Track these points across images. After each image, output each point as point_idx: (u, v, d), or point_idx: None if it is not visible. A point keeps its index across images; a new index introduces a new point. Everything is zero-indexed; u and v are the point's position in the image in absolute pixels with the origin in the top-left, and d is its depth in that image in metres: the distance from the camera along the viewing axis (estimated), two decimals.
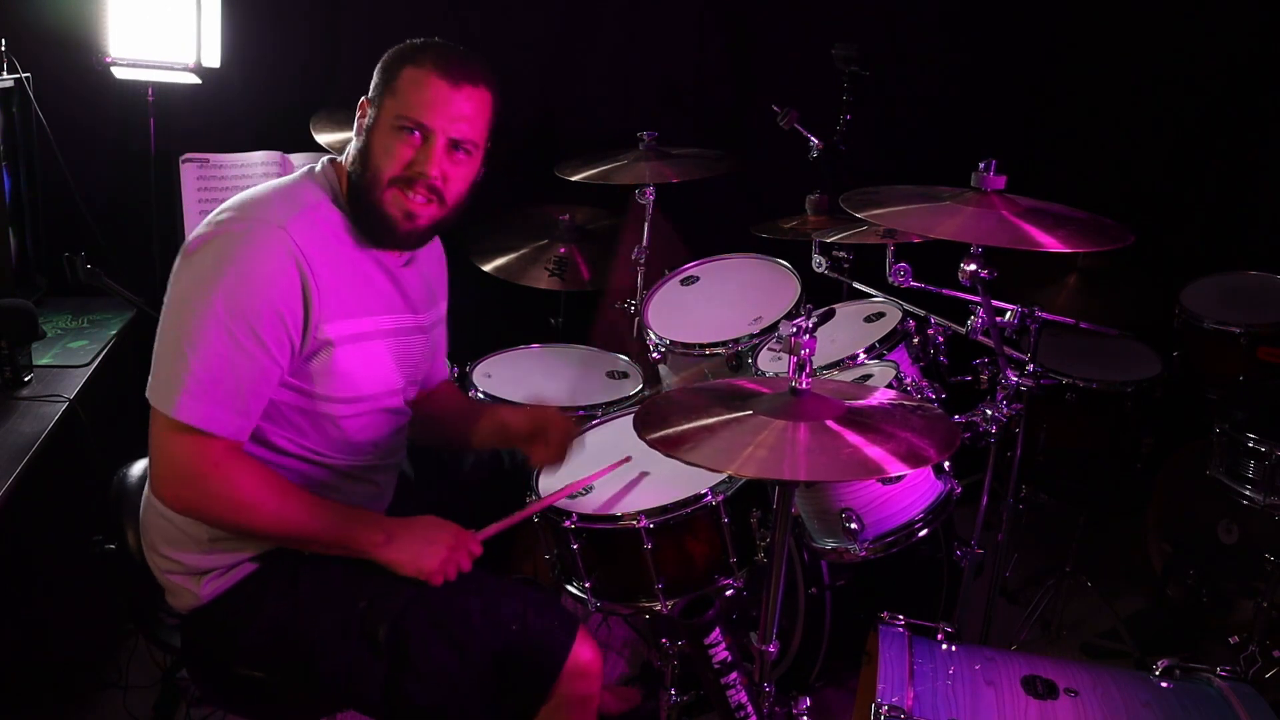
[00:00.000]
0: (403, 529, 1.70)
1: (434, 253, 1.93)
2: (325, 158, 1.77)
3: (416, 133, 1.64)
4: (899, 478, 1.95)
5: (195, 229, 1.65)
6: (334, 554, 1.67)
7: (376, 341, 1.74)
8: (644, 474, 2.00)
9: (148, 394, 1.58)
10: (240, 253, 1.57)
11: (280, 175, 2.80)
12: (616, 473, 2.01)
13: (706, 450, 1.42)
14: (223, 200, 2.54)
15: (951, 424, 1.54)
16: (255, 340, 1.56)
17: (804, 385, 1.52)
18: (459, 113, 1.65)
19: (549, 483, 2.01)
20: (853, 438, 1.43)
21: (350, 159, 1.71)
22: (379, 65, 1.70)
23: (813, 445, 1.41)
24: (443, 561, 1.68)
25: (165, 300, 1.61)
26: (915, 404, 1.61)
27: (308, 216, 1.64)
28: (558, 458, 1.95)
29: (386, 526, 1.69)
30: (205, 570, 1.70)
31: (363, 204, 1.68)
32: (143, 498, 1.80)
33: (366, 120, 1.69)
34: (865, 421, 1.47)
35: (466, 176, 1.71)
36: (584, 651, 1.69)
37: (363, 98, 1.71)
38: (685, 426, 1.48)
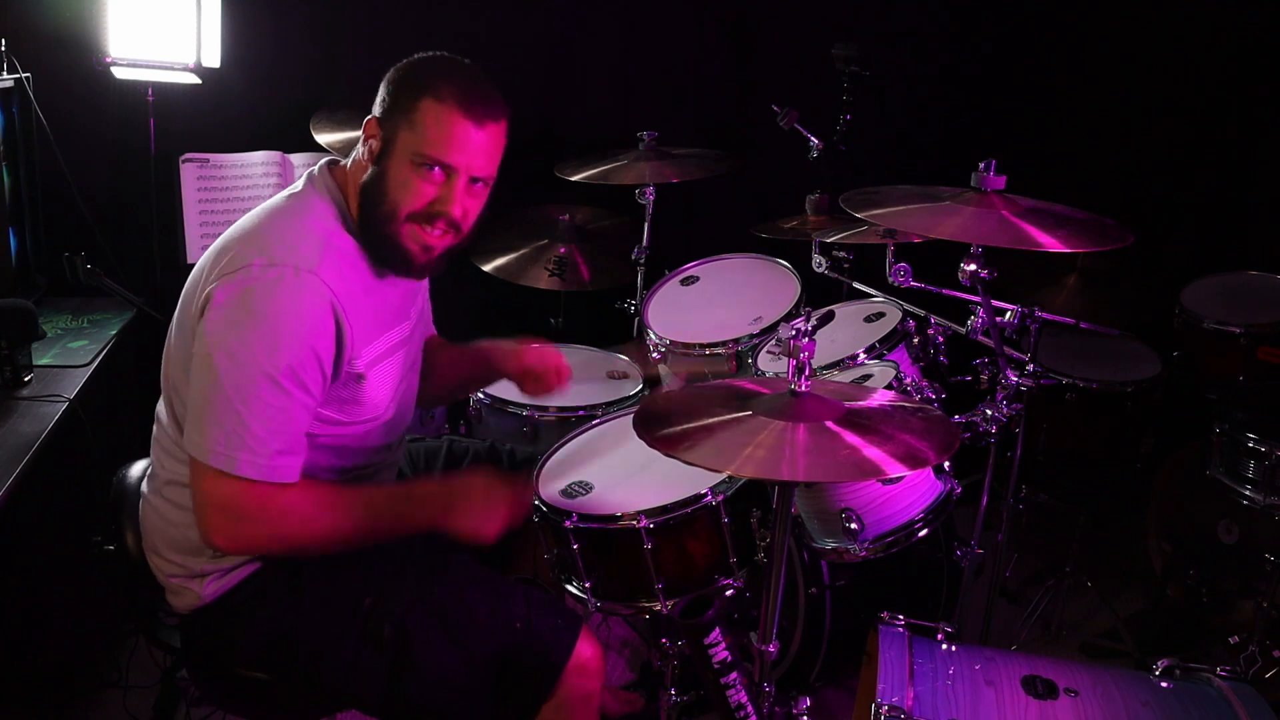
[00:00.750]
0: (460, 496, 1.70)
1: None
2: (323, 161, 1.75)
3: (438, 170, 1.62)
4: (899, 478, 1.95)
5: (210, 267, 1.61)
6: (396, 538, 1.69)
7: (392, 356, 1.75)
8: (663, 476, 1.98)
9: (195, 451, 1.56)
10: (278, 304, 1.55)
11: (280, 175, 2.80)
12: (629, 470, 2.00)
13: (705, 450, 1.42)
14: (223, 200, 2.52)
15: (951, 425, 1.54)
16: (300, 386, 1.57)
17: (803, 388, 1.52)
18: (481, 150, 1.63)
19: (551, 481, 2.02)
20: (852, 439, 1.43)
21: (361, 184, 1.66)
22: (390, 83, 1.65)
23: (811, 446, 1.41)
24: (502, 526, 1.70)
25: (199, 349, 1.57)
26: (915, 406, 1.61)
27: (331, 256, 1.62)
28: (547, 388, 2.01)
29: (441, 496, 1.71)
30: (208, 571, 1.70)
31: (377, 235, 1.66)
32: (142, 500, 1.80)
33: (377, 145, 1.64)
34: (864, 423, 1.47)
35: (481, 206, 1.71)
36: (586, 650, 1.70)
37: (371, 116, 1.66)
38: (685, 426, 1.48)
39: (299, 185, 1.71)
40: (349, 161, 1.72)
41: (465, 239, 1.72)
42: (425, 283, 1.95)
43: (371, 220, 1.65)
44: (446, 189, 1.63)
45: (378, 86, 1.70)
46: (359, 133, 1.69)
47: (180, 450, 1.64)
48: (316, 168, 1.73)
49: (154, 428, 1.76)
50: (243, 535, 1.60)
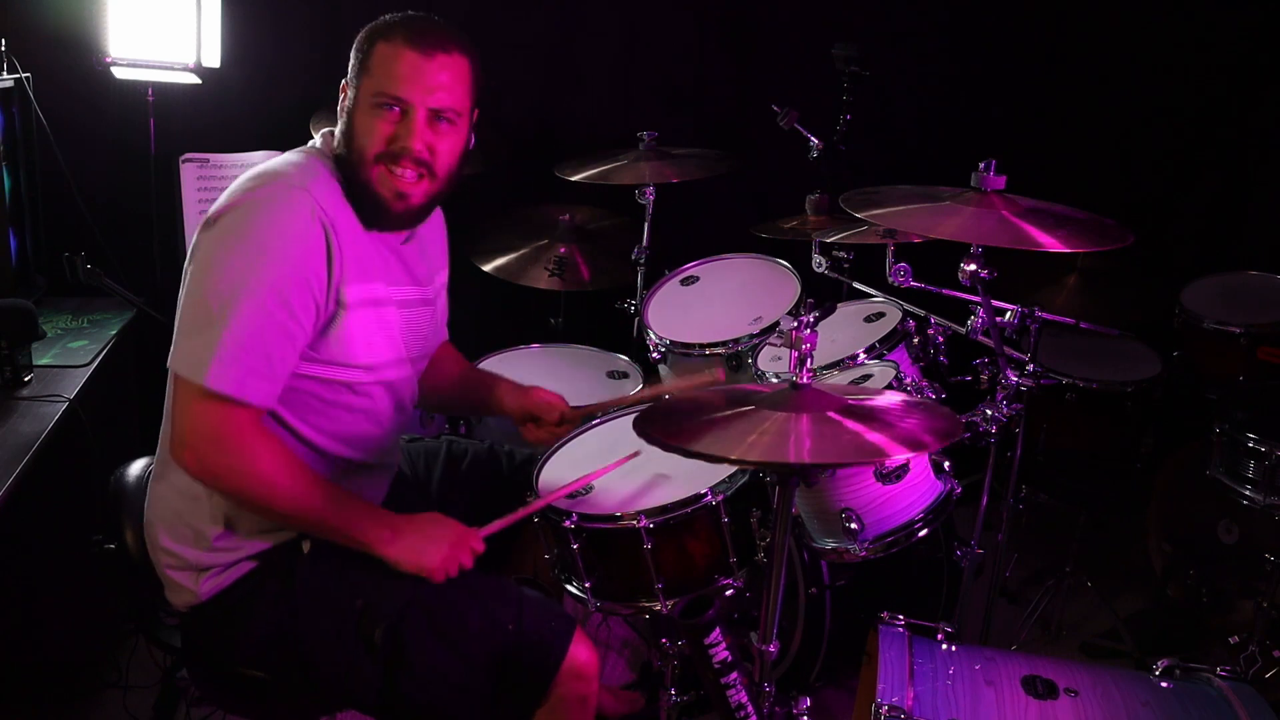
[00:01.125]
0: (406, 525, 1.70)
1: (433, 224, 1.92)
2: (323, 130, 1.77)
3: (395, 108, 1.64)
4: (898, 477, 1.95)
5: (215, 203, 1.64)
6: (336, 541, 1.66)
7: (386, 309, 1.74)
8: (662, 476, 1.99)
9: (172, 363, 1.58)
10: (266, 217, 1.57)
11: None
12: (629, 470, 1.99)
13: (710, 440, 1.42)
14: None
15: (951, 413, 1.54)
16: (284, 306, 1.56)
17: (804, 379, 1.52)
18: (435, 82, 1.64)
19: (550, 480, 2.01)
20: (854, 427, 1.43)
21: (335, 141, 1.71)
22: (354, 45, 1.70)
23: (815, 433, 1.42)
24: (444, 559, 1.67)
25: (188, 270, 1.60)
26: (915, 400, 1.61)
27: (324, 179, 1.65)
28: (549, 440, 1.99)
29: (392, 522, 1.69)
30: (205, 566, 1.70)
31: (354, 185, 1.68)
32: (148, 487, 1.79)
33: (346, 102, 1.69)
34: (865, 412, 1.48)
35: (454, 148, 1.70)
36: (581, 652, 1.69)
37: (343, 80, 1.72)
38: (688, 422, 1.48)
39: (301, 150, 1.75)
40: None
41: (445, 184, 1.72)
42: (445, 275, 1.95)
43: (347, 171, 1.68)
44: (404, 125, 1.64)
45: None
46: None
47: None
48: (317, 138, 1.76)
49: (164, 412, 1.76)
50: (207, 459, 1.57)
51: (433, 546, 1.68)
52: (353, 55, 1.70)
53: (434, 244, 1.92)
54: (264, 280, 1.55)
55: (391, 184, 1.67)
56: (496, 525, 1.80)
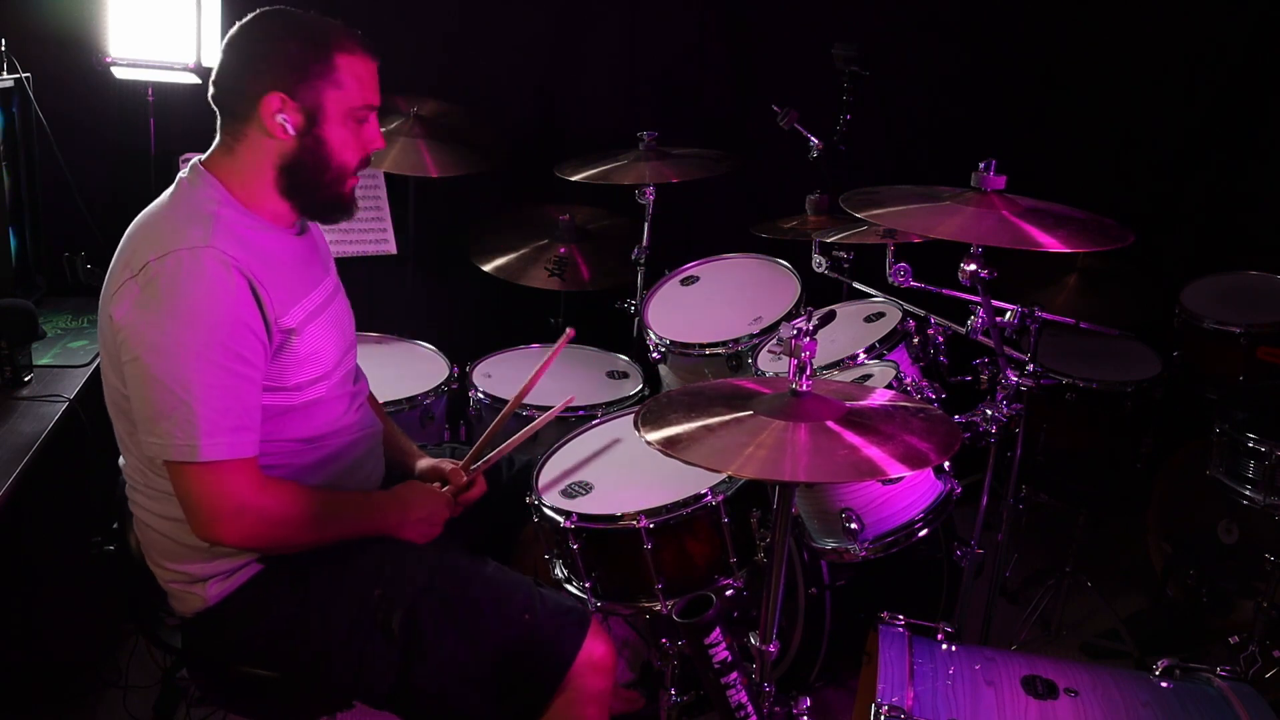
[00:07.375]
0: (402, 510, 1.79)
1: None
2: (193, 160, 1.70)
3: (370, 117, 1.71)
4: (899, 478, 1.95)
5: (109, 283, 1.61)
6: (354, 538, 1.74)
7: (322, 314, 1.75)
8: (662, 475, 1.97)
9: (158, 453, 1.55)
10: (185, 287, 1.53)
11: None
12: (629, 470, 2.02)
13: (706, 450, 1.42)
14: None
15: (952, 425, 1.54)
16: (237, 358, 1.56)
17: (804, 387, 1.52)
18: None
19: (550, 478, 2.02)
20: (852, 439, 1.43)
21: (289, 159, 1.65)
22: (278, 53, 1.63)
23: (812, 446, 1.41)
24: (439, 529, 1.82)
25: (125, 357, 1.56)
26: (916, 405, 1.61)
27: (222, 228, 1.60)
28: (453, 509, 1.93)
29: (395, 506, 1.79)
30: (209, 575, 1.69)
31: (319, 196, 1.71)
32: (130, 514, 1.78)
33: (299, 118, 1.63)
34: (865, 423, 1.47)
35: None
36: (597, 646, 1.70)
37: (272, 92, 1.61)
38: (685, 427, 1.48)
39: (170, 189, 1.69)
40: (227, 151, 1.67)
41: None
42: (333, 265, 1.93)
43: (316, 187, 1.70)
44: (374, 128, 1.73)
45: None
46: None
47: (141, 460, 1.64)
48: (186, 169, 1.69)
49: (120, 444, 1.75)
50: (233, 528, 1.59)
51: (432, 530, 1.81)
52: (289, 67, 1.62)
53: (319, 235, 1.90)
54: (211, 343, 1.53)
55: (353, 183, 1.74)
56: (487, 462, 1.95)
